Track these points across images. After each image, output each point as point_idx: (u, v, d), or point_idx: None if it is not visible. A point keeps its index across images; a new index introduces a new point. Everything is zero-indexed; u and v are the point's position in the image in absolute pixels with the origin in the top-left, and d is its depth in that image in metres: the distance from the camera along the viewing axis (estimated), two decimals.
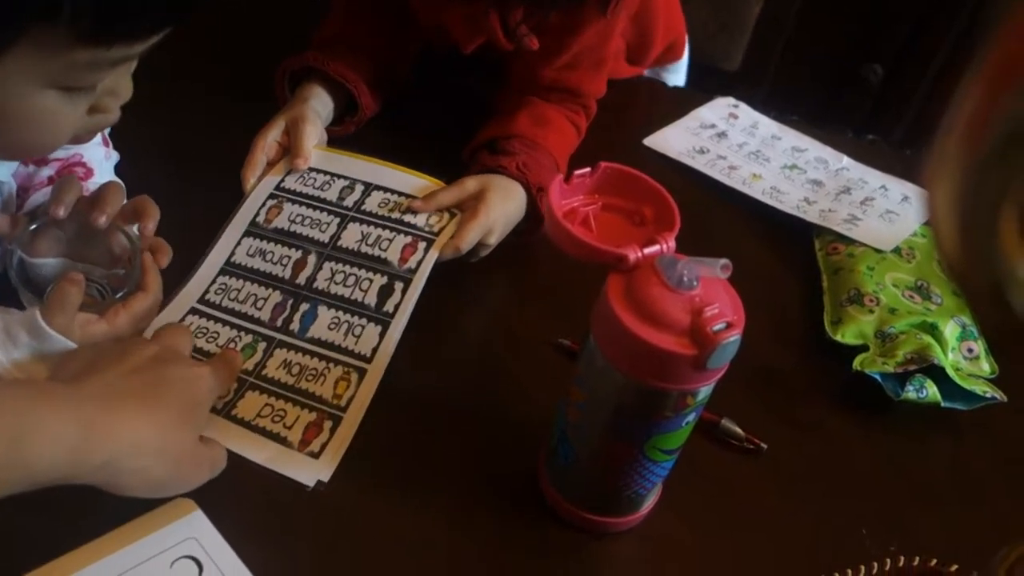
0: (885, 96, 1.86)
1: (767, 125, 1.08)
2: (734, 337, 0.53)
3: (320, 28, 0.94)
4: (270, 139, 0.84)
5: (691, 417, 0.58)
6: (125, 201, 0.69)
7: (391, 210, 0.79)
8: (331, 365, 0.70)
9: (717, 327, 0.53)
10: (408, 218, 0.78)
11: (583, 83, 0.93)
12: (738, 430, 0.73)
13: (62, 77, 0.54)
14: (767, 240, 0.92)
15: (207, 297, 0.75)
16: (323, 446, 0.66)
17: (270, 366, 0.70)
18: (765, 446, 0.72)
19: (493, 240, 0.79)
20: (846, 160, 1.03)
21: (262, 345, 0.72)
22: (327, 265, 0.76)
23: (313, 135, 0.84)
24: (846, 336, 0.80)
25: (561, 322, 0.78)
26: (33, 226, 0.66)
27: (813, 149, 1.05)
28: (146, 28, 0.53)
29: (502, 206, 0.80)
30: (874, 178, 1.01)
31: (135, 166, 0.80)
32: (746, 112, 1.10)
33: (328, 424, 0.67)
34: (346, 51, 0.90)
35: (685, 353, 0.53)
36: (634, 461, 0.60)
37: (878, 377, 0.76)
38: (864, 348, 0.79)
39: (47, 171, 0.73)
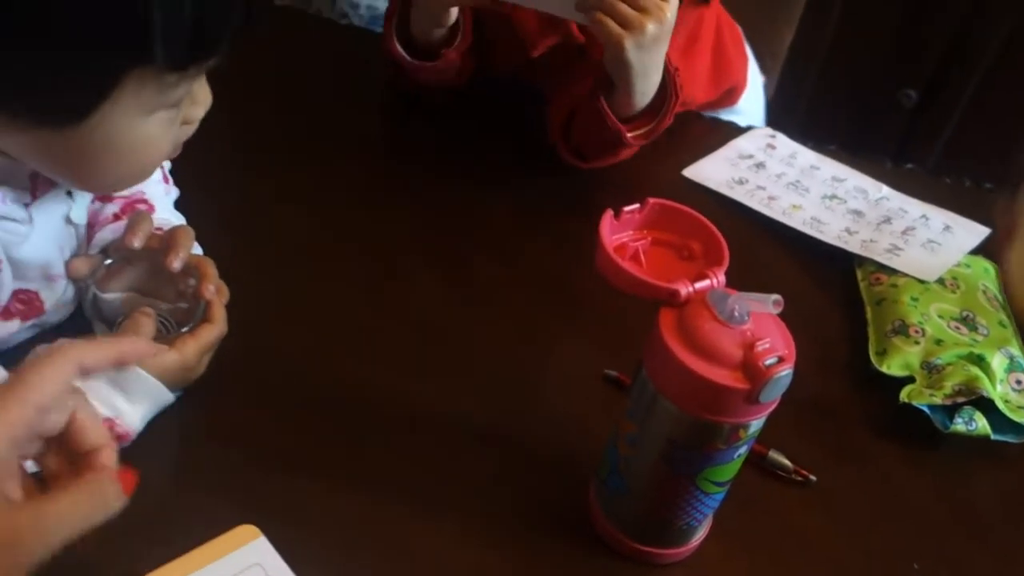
0: (919, 121, 1.86)
1: (805, 155, 1.08)
2: (786, 372, 0.54)
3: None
4: None
5: (743, 450, 0.58)
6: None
7: None
8: None
9: (769, 361, 0.53)
10: None
11: None
12: (786, 462, 0.73)
13: (158, 101, 0.58)
14: (809, 270, 0.93)
15: None
16: None
17: None
18: (814, 478, 0.73)
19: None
20: (885, 189, 1.03)
21: None
22: None
23: None
24: (892, 367, 0.80)
25: (610, 354, 0.79)
26: (108, 262, 0.69)
27: (852, 179, 1.05)
28: (223, 44, 0.56)
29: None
30: (914, 207, 1.01)
31: (192, 202, 0.82)
32: (784, 142, 1.10)
33: None
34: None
35: (738, 387, 0.54)
36: (686, 493, 0.60)
37: (926, 409, 0.76)
38: (911, 379, 0.79)
39: (112, 207, 0.76)
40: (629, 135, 0.90)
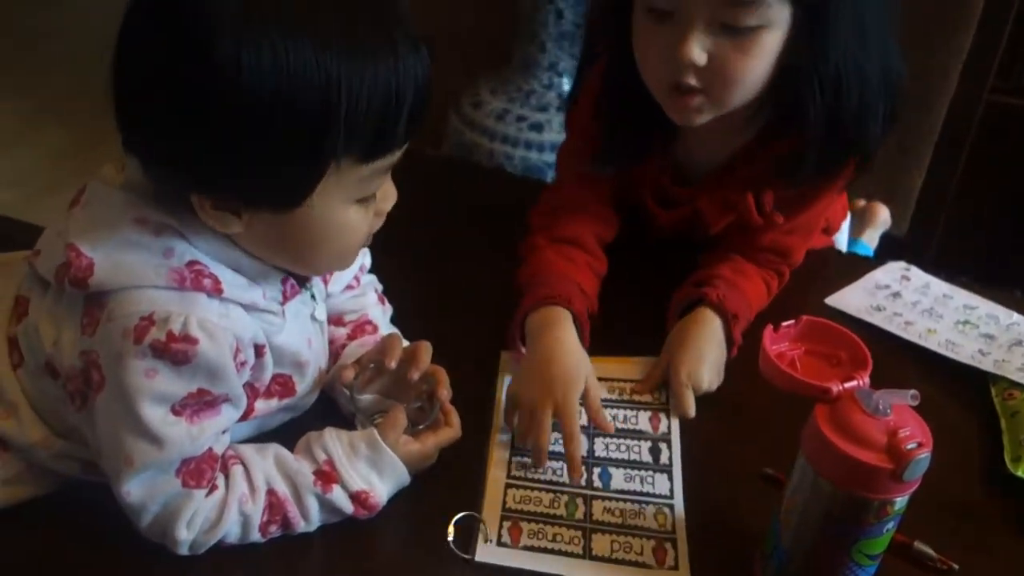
0: None
1: (938, 285, 1.19)
2: (925, 454, 0.65)
3: (545, 221, 1.09)
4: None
5: (891, 525, 0.70)
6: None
7: (620, 394, 0.97)
8: (643, 505, 0.85)
9: (910, 446, 0.65)
10: (636, 397, 0.97)
11: (794, 247, 1.09)
12: (931, 551, 0.82)
13: (356, 192, 0.74)
14: (945, 385, 1.03)
15: (513, 473, 0.88)
16: (676, 560, 0.80)
17: (596, 512, 0.85)
18: (957, 567, 0.81)
19: (705, 387, 0.95)
20: (1016, 316, 1.13)
21: (579, 500, 0.86)
22: (598, 440, 0.92)
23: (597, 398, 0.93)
24: None
25: (765, 454, 0.91)
26: (367, 373, 0.87)
27: (984, 307, 1.15)
28: (399, 143, 0.73)
29: (697, 362, 0.96)
30: None
31: (404, 317, 1.00)
32: (917, 274, 1.22)
33: (667, 544, 0.82)
34: (574, 264, 1.03)
35: (885, 467, 0.65)
36: (842, 564, 0.71)
37: None
38: None
39: (344, 331, 0.94)
40: None
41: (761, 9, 0.87)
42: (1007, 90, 1.81)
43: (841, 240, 1.40)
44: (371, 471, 0.79)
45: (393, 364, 0.84)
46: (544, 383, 0.89)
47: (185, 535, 0.73)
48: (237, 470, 0.77)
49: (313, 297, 0.85)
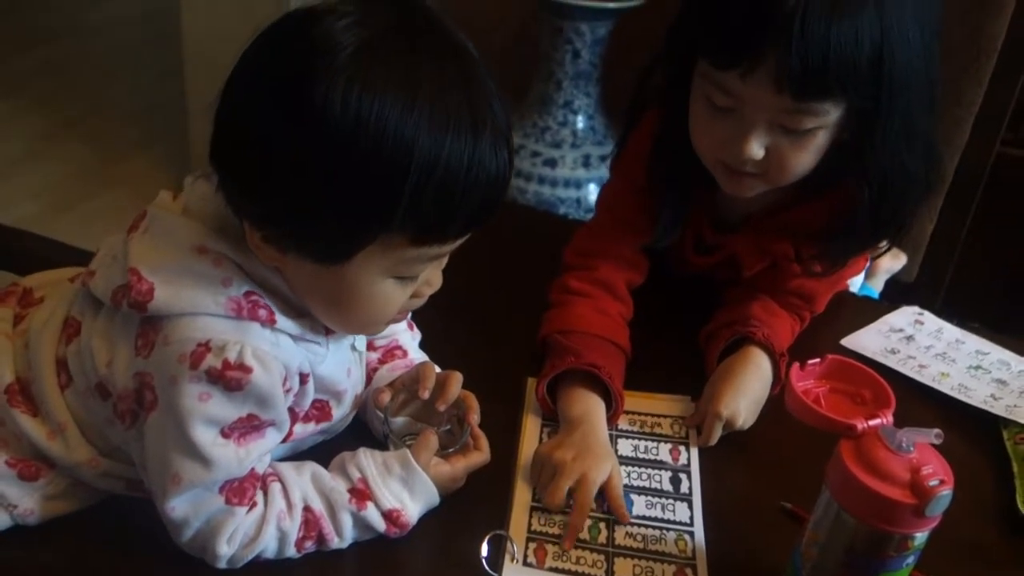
0: None
1: (951, 330, 1.22)
2: (947, 491, 0.68)
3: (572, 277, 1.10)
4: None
5: (911, 559, 0.72)
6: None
7: (641, 426, 1.00)
8: (664, 531, 0.88)
9: (933, 482, 0.68)
10: (657, 430, 0.99)
11: (819, 293, 1.12)
12: None
13: (397, 269, 0.75)
14: (958, 429, 1.05)
15: (538, 496, 0.90)
16: None
17: (619, 538, 0.87)
18: None
19: (740, 423, 0.97)
20: None
21: (603, 524, 0.88)
22: (620, 468, 0.94)
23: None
24: None
25: (784, 489, 0.93)
26: (401, 397, 0.90)
27: (995, 352, 1.18)
28: (453, 234, 0.74)
29: (738, 398, 0.98)
30: None
31: (431, 341, 1.02)
32: (930, 319, 1.24)
33: (688, 570, 0.84)
34: (603, 334, 1.03)
35: (908, 502, 0.68)
36: None
37: None
38: None
39: (375, 355, 0.97)
40: None
41: (820, 115, 0.91)
42: (1017, 143, 1.86)
43: (855, 283, 1.43)
44: (403, 490, 0.82)
45: (426, 394, 0.87)
46: (578, 452, 0.91)
47: (225, 550, 0.76)
48: (275, 487, 0.79)
49: None
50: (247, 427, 0.75)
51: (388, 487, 0.81)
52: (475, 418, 0.88)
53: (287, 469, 0.81)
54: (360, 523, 0.81)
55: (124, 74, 3.11)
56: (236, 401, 0.73)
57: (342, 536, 0.80)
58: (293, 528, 0.78)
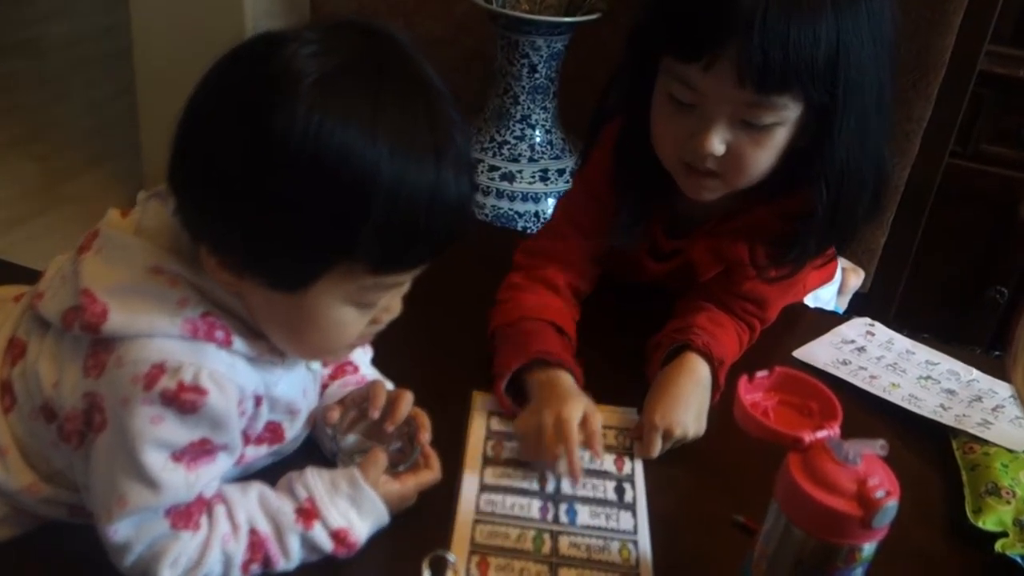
0: (1011, 317, 1.98)
1: (901, 341, 1.23)
2: (893, 502, 0.68)
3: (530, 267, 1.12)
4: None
5: (859, 571, 0.72)
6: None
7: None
8: (608, 541, 0.87)
9: (879, 494, 0.68)
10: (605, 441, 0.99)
11: (771, 298, 1.12)
12: None
13: (356, 297, 0.75)
14: (908, 439, 1.06)
15: (482, 508, 0.90)
16: None
17: (563, 548, 0.86)
18: None
19: (689, 434, 0.97)
20: (976, 372, 1.17)
21: (546, 535, 0.88)
22: (564, 480, 0.94)
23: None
24: (987, 523, 0.92)
25: (736, 502, 0.93)
26: (351, 414, 0.89)
27: (945, 363, 1.19)
28: (414, 263, 0.74)
29: (676, 408, 0.98)
30: (1003, 389, 1.14)
31: (383, 357, 1.00)
32: (881, 330, 1.26)
33: None
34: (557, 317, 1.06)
35: (854, 514, 0.68)
36: None
37: (1019, 559, 0.88)
38: (1004, 534, 0.91)
39: (326, 371, 0.95)
40: None
41: (779, 109, 0.93)
42: (965, 155, 1.89)
43: (828, 301, 1.43)
44: (351, 508, 0.81)
45: (376, 414, 0.86)
46: (547, 404, 0.95)
47: (168, 575, 0.74)
48: (220, 509, 0.77)
49: None
50: (198, 451, 0.73)
51: (336, 505, 0.80)
52: (426, 436, 0.87)
53: (232, 491, 0.79)
54: (308, 544, 0.79)
55: (77, 91, 3.07)
56: (189, 424, 0.71)
57: (289, 558, 0.79)
58: (239, 551, 0.77)
